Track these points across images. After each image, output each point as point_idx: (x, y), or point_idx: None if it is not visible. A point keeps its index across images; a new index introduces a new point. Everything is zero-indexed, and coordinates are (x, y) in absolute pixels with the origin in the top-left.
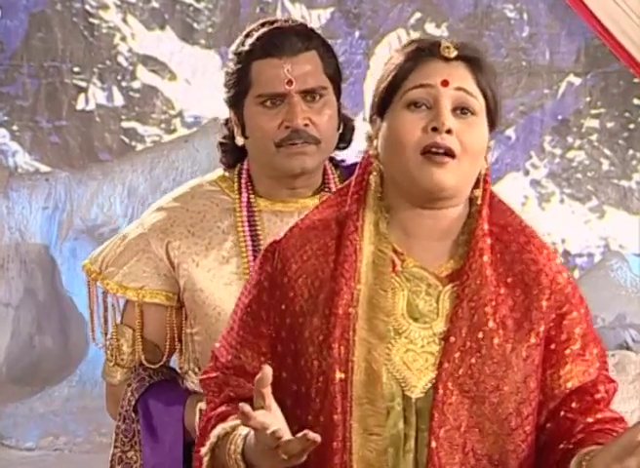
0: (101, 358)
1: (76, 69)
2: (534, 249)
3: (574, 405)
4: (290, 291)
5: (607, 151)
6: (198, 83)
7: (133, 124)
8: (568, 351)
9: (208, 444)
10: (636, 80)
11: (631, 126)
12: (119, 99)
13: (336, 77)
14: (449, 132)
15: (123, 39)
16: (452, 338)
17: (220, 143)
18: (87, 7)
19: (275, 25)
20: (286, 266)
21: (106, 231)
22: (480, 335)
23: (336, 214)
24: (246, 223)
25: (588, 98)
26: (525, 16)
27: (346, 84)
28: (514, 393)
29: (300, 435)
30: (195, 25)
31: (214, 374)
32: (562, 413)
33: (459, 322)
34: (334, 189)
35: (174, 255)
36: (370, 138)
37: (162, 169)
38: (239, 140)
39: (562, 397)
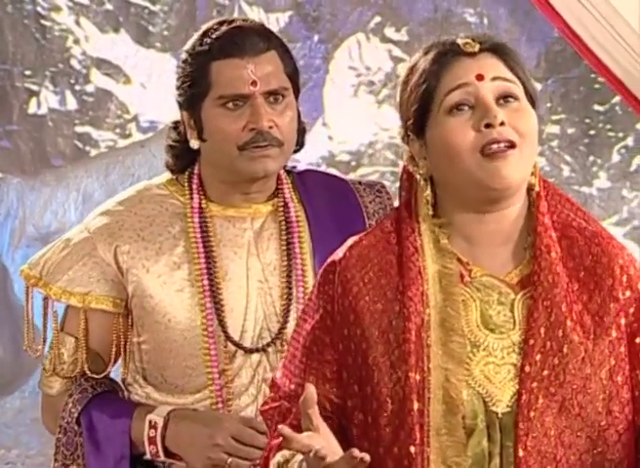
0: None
1: (27, 72)
2: (602, 241)
3: None
4: (351, 313)
5: (567, 157)
6: (154, 87)
7: (86, 129)
8: None
9: None
10: (597, 86)
11: (592, 132)
12: (72, 104)
13: (295, 77)
14: (502, 124)
15: (76, 42)
16: (531, 341)
17: (171, 147)
18: (38, 9)
19: (234, 25)
20: (347, 288)
21: None
22: (559, 334)
23: (391, 234)
24: (197, 229)
25: (549, 104)
26: (485, 20)
27: (306, 88)
28: (601, 391)
29: (347, 453)
30: (150, 28)
31: (276, 404)
32: None
33: (536, 323)
34: (287, 195)
35: (122, 260)
36: (413, 160)
37: (118, 175)
38: (194, 144)
39: None
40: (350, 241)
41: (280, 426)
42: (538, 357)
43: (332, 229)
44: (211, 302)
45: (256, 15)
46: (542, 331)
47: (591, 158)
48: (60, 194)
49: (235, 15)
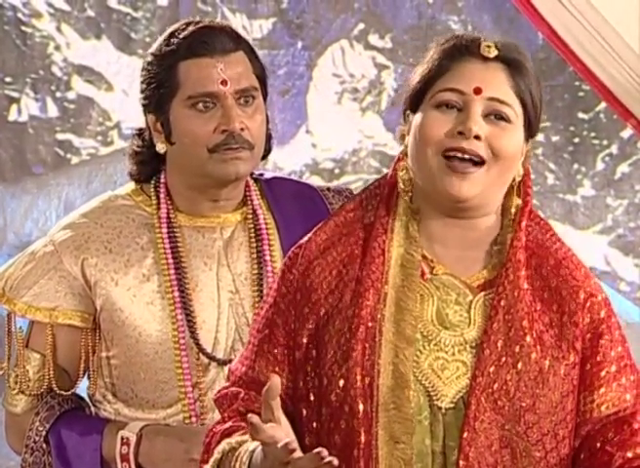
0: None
1: (8, 79)
2: (571, 265)
3: (610, 435)
4: (313, 293)
5: (552, 165)
6: (136, 94)
7: (68, 136)
8: (603, 373)
9: (211, 460)
10: (581, 94)
11: (576, 140)
12: (53, 111)
13: (263, 80)
14: (477, 138)
15: (57, 48)
16: (486, 351)
17: (135, 153)
18: (19, 15)
19: (202, 24)
20: (309, 269)
21: None
22: (517, 350)
23: (361, 216)
24: (166, 239)
25: None
26: (469, 27)
27: (289, 95)
28: (550, 413)
29: (314, 452)
30: (132, 35)
31: (226, 390)
32: (598, 445)
33: (494, 334)
34: (256, 202)
35: (90, 273)
36: (402, 135)
37: (100, 182)
38: (161, 148)
39: (596, 422)
40: (315, 229)
41: (249, 415)
42: (491, 369)
43: (301, 236)
44: (182, 314)
45: (238, 21)
46: (500, 343)
47: (575, 166)
48: (42, 202)
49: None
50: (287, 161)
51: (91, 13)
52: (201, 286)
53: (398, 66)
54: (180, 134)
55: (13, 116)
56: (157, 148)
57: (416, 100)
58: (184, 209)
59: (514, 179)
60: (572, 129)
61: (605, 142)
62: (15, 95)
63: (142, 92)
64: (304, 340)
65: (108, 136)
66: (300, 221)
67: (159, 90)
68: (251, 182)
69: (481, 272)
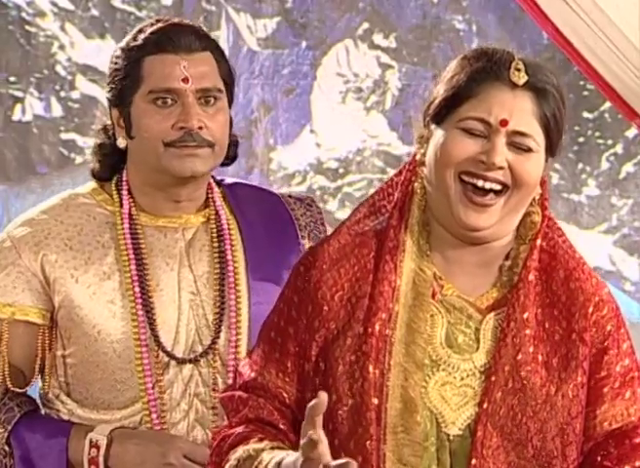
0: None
1: (12, 79)
2: (582, 276)
3: (611, 449)
4: (325, 306)
5: (557, 165)
6: None
7: (72, 135)
8: (606, 389)
9: (227, 466)
10: (586, 93)
11: (581, 139)
12: (57, 110)
13: (230, 83)
14: (500, 168)
15: (61, 48)
16: (493, 377)
17: (99, 147)
18: (23, 15)
19: (170, 22)
20: (321, 280)
21: None
22: (523, 374)
23: (375, 224)
24: (128, 237)
25: None
26: (474, 27)
27: (293, 95)
28: (559, 435)
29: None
30: None
31: (236, 392)
32: (599, 459)
33: (501, 359)
34: (218, 203)
35: (49, 270)
36: (420, 141)
37: None
38: (121, 142)
39: (599, 438)
40: (327, 236)
41: (311, 432)
42: (498, 395)
43: (264, 239)
44: (143, 312)
45: (243, 21)
46: (507, 368)
47: (580, 165)
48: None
49: (222, 21)
50: (291, 160)
51: (95, 12)
52: (162, 285)
53: (402, 66)
54: (139, 128)
55: (17, 116)
56: (118, 143)
57: (440, 116)
58: (147, 208)
59: (535, 198)
60: (577, 128)
61: (610, 142)
62: (19, 94)
63: (107, 84)
64: (314, 353)
65: None
66: (263, 225)
67: (123, 83)
68: (214, 185)
69: (491, 291)
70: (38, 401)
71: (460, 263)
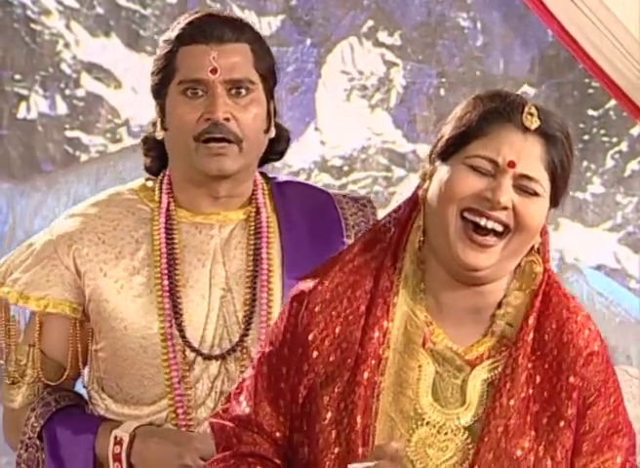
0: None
1: (17, 77)
2: (574, 328)
3: None
4: (314, 350)
5: None
6: (145, 91)
7: (77, 133)
8: (586, 445)
9: None
10: (591, 91)
11: (586, 137)
12: (62, 108)
13: (268, 76)
14: (505, 208)
15: (66, 46)
16: (486, 438)
17: (144, 141)
18: (28, 12)
19: (207, 13)
20: (312, 323)
21: None
22: (513, 440)
23: (369, 260)
24: (162, 232)
25: None
26: (479, 25)
27: (297, 93)
28: None
29: None
30: (141, 32)
31: (228, 423)
32: None
33: (494, 421)
34: (260, 201)
35: (80, 263)
36: (424, 177)
37: (109, 180)
38: (159, 134)
39: None
40: (322, 271)
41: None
42: (489, 456)
43: (305, 238)
44: (170, 306)
45: (247, 18)
46: (500, 430)
47: (585, 163)
48: (51, 199)
49: None
50: (295, 158)
51: (100, 10)
52: (192, 282)
53: (407, 63)
54: (171, 119)
55: (22, 114)
56: (156, 135)
57: (447, 153)
58: (185, 204)
59: (534, 246)
60: (581, 126)
61: (615, 140)
62: (24, 92)
63: (150, 78)
64: (301, 395)
65: (117, 133)
66: (306, 225)
67: (160, 75)
68: (260, 181)
69: (481, 340)
70: (86, 397)
71: (453, 308)
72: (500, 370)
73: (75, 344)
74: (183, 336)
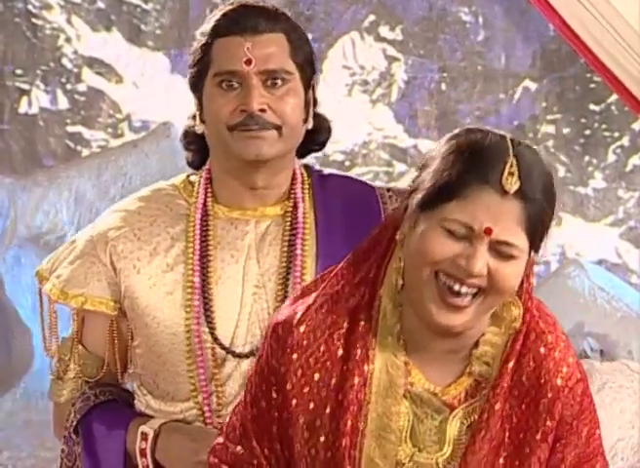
0: (47, 370)
1: (18, 71)
2: (552, 367)
3: None
4: (293, 398)
5: (563, 157)
6: (146, 86)
7: (78, 128)
8: None
9: None
10: (593, 85)
11: (587, 132)
12: (64, 103)
13: (305, 66)
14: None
15: (68, 40)
16: None
17: (184, 135)
18: (30, 7)
19: (241, 3)
20: (290, 371)
21: (52, 239)
22: None
23: (347, 296)
24: (197, 229)
25: (544, 104)
26: (480, 19)
27: None
28: None
29: None
30: (143, 27)
31: (217, 461)
32: None
33: (468, 466)
34: (299, 195)
35: (116, 260)
36: (403, 219)
37: (110, 175)
38: (199, 128)
39: None
40: (300, 312)
41: None
42: None
43: (341, 236)
44: (199, 302)
45: None
46: None
47: (587, 158)
48: (52, 194)
49: None
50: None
51: (101, 5)
52: (224, 278)
53: (408, 58)
54: (208, 112)
55: (23, 108)
56: (196, 129)
57: (425, 207)
58: (223, 199)
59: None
60: (583, 121)
61: (616, 134)
62: (25, 87)
63: (188, 71)
64: (286, 437)
65: (118, 128)
66: (345, 218)
67: (196, 66)
68: (300, 173)
69: (459, 381)
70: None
71: (430, 350)
72: (476, 415)
73: (113, 341)
74: (213, 334)
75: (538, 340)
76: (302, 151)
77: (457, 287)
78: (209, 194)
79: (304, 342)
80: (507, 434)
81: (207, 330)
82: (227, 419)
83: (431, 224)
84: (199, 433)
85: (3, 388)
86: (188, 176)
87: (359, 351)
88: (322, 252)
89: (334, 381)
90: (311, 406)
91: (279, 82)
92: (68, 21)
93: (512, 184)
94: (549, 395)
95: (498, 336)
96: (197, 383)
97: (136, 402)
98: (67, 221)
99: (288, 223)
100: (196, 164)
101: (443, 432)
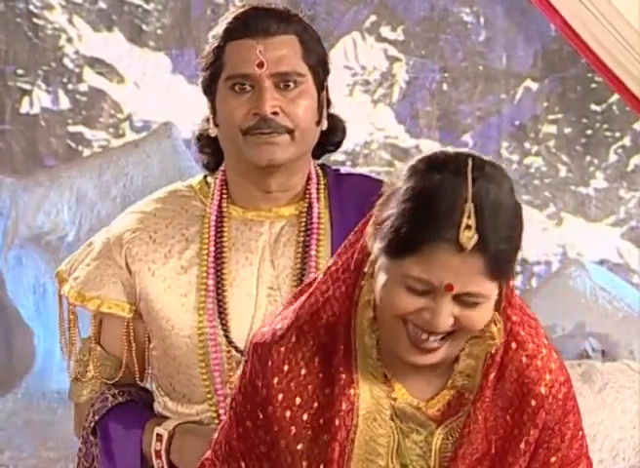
0: (48, 370)
1: (20, 71)
2: (534, 375)
3: None
4: (275, 424)
5: (564, 157)
6: (147, 86)
7: (79, 128)
8: None
9: None
10: (594, 85)
11: (589, 132)
12: (65, 103)
13: (318, 68)
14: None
15: (69, 40)
16: None
17: (197, 139)
18: (31, 7)
19: (252, 6)
20: (270, 396)
21: (53, 239)
22: None
23: (326, 313)
24: (212, 230)
25: (546, 104)
26: (482, 19)
27: None
28: None
29: None
30: (144, 27)
31: None
32: None
33: None
34: (314, 196)
35: (131, 262)
36: (371, 262)
37: (111, 175)
38: (212, 131)
39: None
40: (279, 332)
41: None
42: None
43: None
44: (213, 305)
45: None
46: None
47: (588, 158)
48: (54, 194)
49: None
50: None
51: (102, 5)
52: (239, 280)
53: (410, 58)
54: (221, 115)
55: (25, 108)
56: (210, 132)
57: (385, 256)
58: (239, 200)
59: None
60: (584, 121)
61: (618, 134)
62: (26, 87)
63: (200, 75)
64: (270, 465)
65: (120, 128)
66: (360, 218)
67: (208, 70)
68: (315, 174)
69: (442, 393)
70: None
71: (411, 366)
72: (459, 430)
73: (130, 343)
74: (227, 336)
75: (519, 349)
76: (318, 152)
77: (424, 336)
78: (224, 195)
79: (285, 367)
80: (494, 445)
81: (221, 332)
82: (215, 435)
83: (393, 277)
84: (212, 434)
85: (4, 388)
86: (205, 177)
87: (343, 375)
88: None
89: (316, 405)
90: (293, 430)
91: (291, 84)
92: (70, 21)
93: (470, 239)
94: (533, 403)
95: (478, 348)
96: (212, 386)
97: (155, 403)
98: (69, 221)
99: (303, 224)
100: (212, 166)
101: (429, 446)
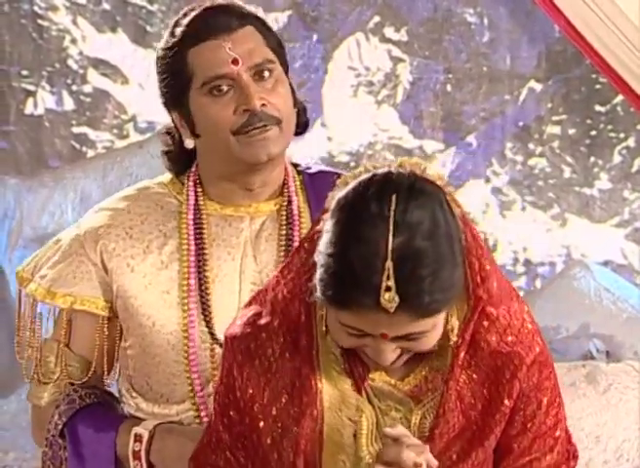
0: None
1: (24, 72)
2: (506, 348)
3: None
4: (247, 417)
5: (568, 158)
6: (151, 87)
7: (84, 129)
8: (515, 445)
9: None
10: (598, 86)
11: (593, 133)
12: (69, 104)
13: (280, 51)
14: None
15: (73, 42)
16: None
17: (165, 153)
18: (35, 8)
19: (202, 7)
20: (242, 388)
21: None
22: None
23: (289, 308)
24: (191, 226)
25: (550, 105)
26: (485, 20)
27: (304, 88)
28: None
29: None
30: (148, 28)
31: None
32: None
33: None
34: (292, 190)
35: (107, 259)
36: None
37: (116, 175)
38: (189, 143)
39: None
40: (249, 327)
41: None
42: None
43: None
44: (196, 302)
45: None
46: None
47: (592, 159)
48: (58, 195)
49: None
50: (302, 154)
51: (106, 6)
52: (221, 276)
53: (414, 59)
54: (203, 123)
55: (29, 109)
56: (185, 144)
57: (322, 300)
58: (216, 197)
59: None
60: (588, 122)
61: (622, 135)
62: (31, 88)
63: (160, 89)
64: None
65: (124, 129)
66: None
67: (173, 83)
68: (291, 171)
69: (416, 370)
70: (118, 396)
71: None
72: (435, 408)
73: (102, 342)
74: (211, 333)
75: (490, 326)
76: None
77: (377, 363)
78: (199, 192)
79: (256, 362)
80: (474, 420)
81: (205, 329)
82: (206, 426)
83: (332, 318)
84: (197, 433)
85: (8, 389)
86: (177, 175)
87: (306, 370)
88: None
89: (284, 399)
90: (262, 424)
91: (266, 73)
92: (74, 23)
93: (391, 302)
94: (507, 376)
95: (450, 325)
96: (194, 384)
97: (123, 405)
98: (72, 222)
99: (284, 218)
100: (180, 171)
101: (408, 423)
